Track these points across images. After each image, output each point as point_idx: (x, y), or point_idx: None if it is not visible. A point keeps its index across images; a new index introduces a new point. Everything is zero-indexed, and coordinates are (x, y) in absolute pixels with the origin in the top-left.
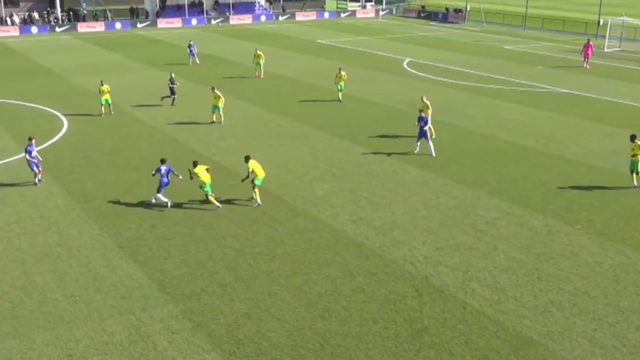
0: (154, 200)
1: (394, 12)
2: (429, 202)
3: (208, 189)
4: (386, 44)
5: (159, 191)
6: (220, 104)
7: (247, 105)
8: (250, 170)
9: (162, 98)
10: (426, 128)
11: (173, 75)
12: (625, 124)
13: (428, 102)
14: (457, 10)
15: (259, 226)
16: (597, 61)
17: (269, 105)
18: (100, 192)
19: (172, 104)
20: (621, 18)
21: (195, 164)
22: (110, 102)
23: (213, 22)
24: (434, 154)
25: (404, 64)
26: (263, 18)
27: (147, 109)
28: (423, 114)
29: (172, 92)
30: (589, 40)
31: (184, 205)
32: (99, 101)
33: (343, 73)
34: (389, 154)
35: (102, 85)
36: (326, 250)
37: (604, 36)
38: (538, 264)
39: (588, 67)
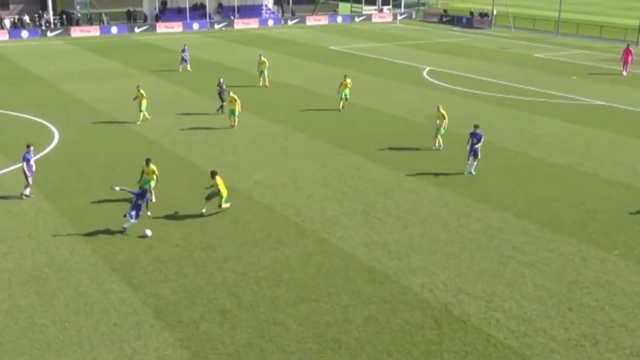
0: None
1: (414, 16)
2: (449, 225)
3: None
4: (404, 51)
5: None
6: (237, 108)
7: (252, 117)
8: (215, 185)
9: (218, 110)
10: (478, 146)
11: (222, 80)
12: None
13: (444, 112)
14: (483, 15)
15: (263, 248)
16: (638, 71)
17: (276, 117)
18: (92, 209)
19: (223, 110)
20: None
21: (148, 162)
22: (141, 109)
23: (216, 26)
24: (473, 172)
25: (424, 73)
26: (270, 22)
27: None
28: (478, 130)
29: (222, 98)
30: (628, 45)
31: (182, 226)
32: (137, 108)
33: (348, 81)
34: (406, 172)
35: (138, 90)
36: (336, 276)
37: (627, 43)
38: (570, 294)
39: (625, 73)
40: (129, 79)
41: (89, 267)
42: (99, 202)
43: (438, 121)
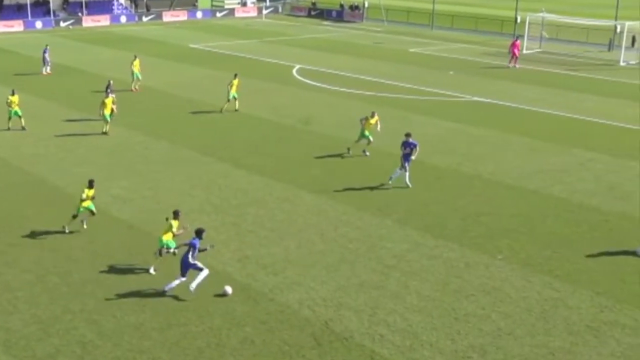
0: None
1: (280, 10)
2: (327, 235)
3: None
4: (271, 48)
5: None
6: (108, 112)
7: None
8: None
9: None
10: (412, 157)
11: (111, 82)
12: (551, 136)
13: (378, 119)
14: (354, 8)
15: (125, 270)
16: (520, 65)
17: (133, 124)
18: None
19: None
20: (541, 15)
21: (91, 184)
22: (20, 114)
23: (62, 24)
24: (409, 184)
25: (294, 72)
26: (123, 19)
27: None
28: (410, 139)
29: None
30: (517, 38)
31: (33, 249)
32: (7, 114)
33: (237, 80)
34: (279, 179)
35: (12, 95)
36: (207, 296)
37: (522, 36)
38: (455, 303)
39: (517, 66)
40: None
41: None
42: None
43: (368, 126)
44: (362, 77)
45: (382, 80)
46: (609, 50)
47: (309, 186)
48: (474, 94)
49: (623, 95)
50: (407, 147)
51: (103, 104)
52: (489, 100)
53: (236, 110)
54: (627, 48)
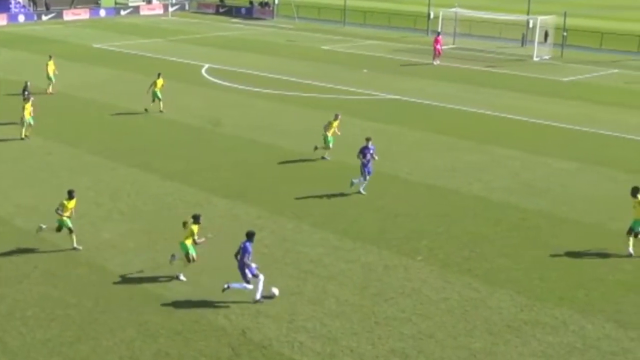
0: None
1: (187, 7)
2: (240, 239)
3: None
4: (179, 47)
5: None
6: (28, 115)
7: (5, 130)
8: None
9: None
10: (371, 164)
11: (28, 83)
12: (468, 134)
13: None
14: (264, 4)
15: (30, 283)
16: (431, 61)
17: (35, 129)
18: None
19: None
20: (454, 10)
21: (71, 195)
22: None
23: None
24: (363, 192)
25: (203, 72)
26: (22, 18)
27: None
28: (370, 144)
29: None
30: (438, 34)
31: None
32: None
33: (160, 80)
34: (190, 184)
35: None
36: (119, 308)
37: (436, 32)
38: (375, 306)
39: (437, 63)
40: None
41: None
42: None
43: (332, 130)
44: (275, 76)
45: (295, 79)
46: (522, 45)
47: (220, 190)
48: (389, 91)
49: (537, 91)
50: (367, 154)
51: (23, 108)
52: (404, 98)
53: (161, 111)
54: (540, 43)
